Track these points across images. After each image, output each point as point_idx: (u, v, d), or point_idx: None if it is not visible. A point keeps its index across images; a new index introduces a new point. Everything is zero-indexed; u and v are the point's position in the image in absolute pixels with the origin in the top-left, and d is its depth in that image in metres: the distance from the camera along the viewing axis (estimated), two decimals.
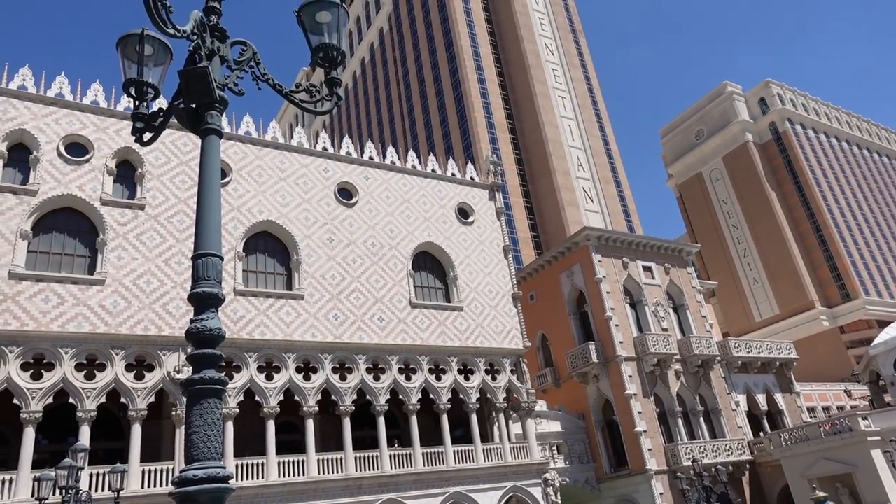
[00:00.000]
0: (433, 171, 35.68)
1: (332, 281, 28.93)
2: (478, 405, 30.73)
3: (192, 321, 4.52)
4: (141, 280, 24.43)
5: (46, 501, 14.29)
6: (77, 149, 25.53)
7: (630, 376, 37.28)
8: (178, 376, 23.61)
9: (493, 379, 31.74)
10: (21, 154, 24.52)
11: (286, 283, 28.28)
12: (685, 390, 39.16)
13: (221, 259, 4.80)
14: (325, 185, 31.14)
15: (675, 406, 38.00)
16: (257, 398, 25.29)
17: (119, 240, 24.67)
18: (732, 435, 39.18)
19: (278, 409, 25.53)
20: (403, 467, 27.47)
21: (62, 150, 25.06)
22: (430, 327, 30.69)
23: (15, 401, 21.23)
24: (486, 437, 32.22)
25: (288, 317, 27.05)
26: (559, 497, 31.24)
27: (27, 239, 23.15)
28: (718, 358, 41.11)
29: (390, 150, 35.34)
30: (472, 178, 37.07)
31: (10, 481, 20.31)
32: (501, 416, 31.69)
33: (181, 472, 4.04)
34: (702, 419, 38.87)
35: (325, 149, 32.23)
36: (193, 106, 5.27)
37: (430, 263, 33.16)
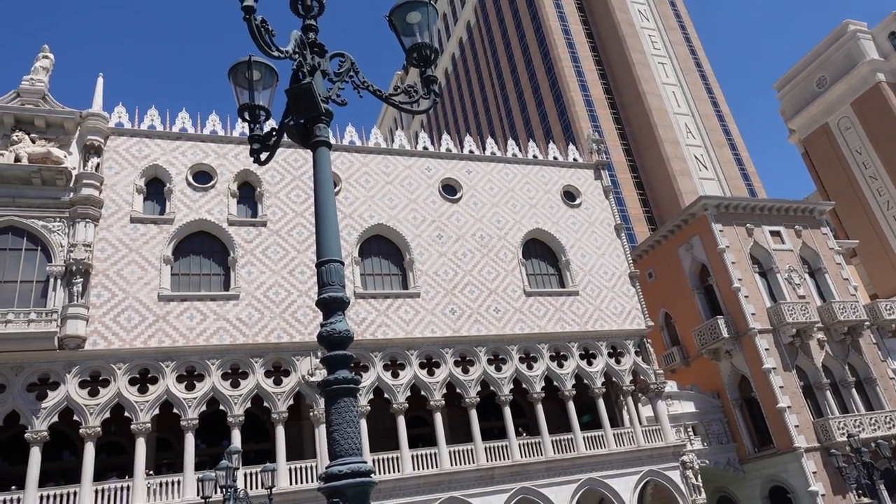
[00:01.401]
0: (534, 157, 35.28)
1: (445, 277, 29.41)
2: (604, 389, 30.07)
3: (322, 325, 4.75)
4: (270, 292, 26.09)
5: (210, 500, 15.65)
6: (203, 176, 27.69)
7: (766, 349, 34.92)
8: (311, 379, 25.02)
9: (618, 362, 30.91)
10: (157, 187, 26.96)
11: (402, 283, 29.09)
12: (832, 360, 36.12)
13: (343, 264, 5.00)
14: (429, 183, 31.68)
15: (822, 378, 35.14)
16: (386, 395, 26.24)
17: (247, 256, 26.49)
18: (893, 405, 35.64)
19: (407, 405, 26.35)
20: (533, 456, 27.44)
21: (190, 179, 27.27)
22: (546, 314, 30.40)
23: (175, 410, 23.41)
24: (616, 422, 31.47)
25: (407, 315, 27.83)
26: (700, 479, 29.91)
27: (170, 263, 25.43)
28: (868, 323, 37.53)
29: (489, 141, 35.33)
30: (574, 160, 36.26)
31: (178, 482, 22.45)
32: (630, 399, 30.82)
33: (327, 468, 4.26)
34: (854, 390, 35.67)
35: (425, 148, 32.80)
36: (302, 121, 5.55)
37: (541, 250, 32.83)
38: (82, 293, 23.10)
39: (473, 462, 26.37)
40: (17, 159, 24.29)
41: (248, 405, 24.36)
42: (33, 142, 25.07)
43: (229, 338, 24.71)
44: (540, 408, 28.47)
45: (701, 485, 29.77)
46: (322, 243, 4.99)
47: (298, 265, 27.07)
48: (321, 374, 24.95)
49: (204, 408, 23.81)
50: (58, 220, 24.15)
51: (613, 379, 30.73)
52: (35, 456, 21.26)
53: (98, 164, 25.61)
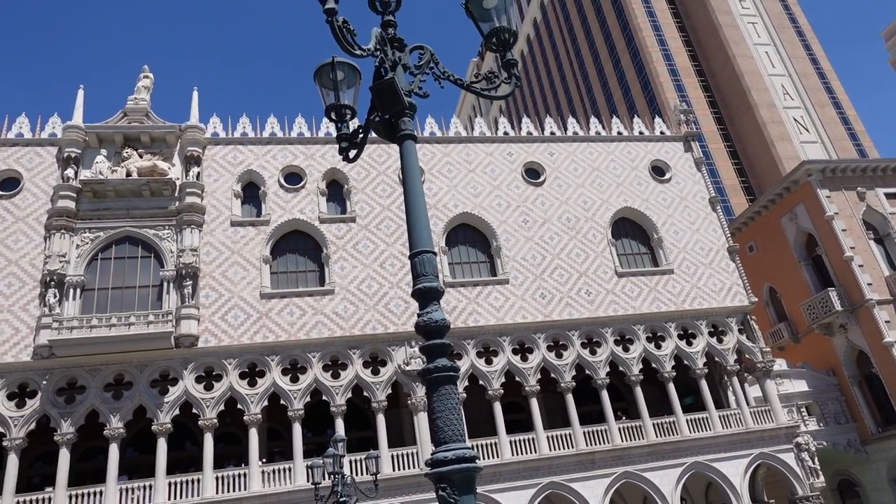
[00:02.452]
0: (619, 133, 34.23)
1: (533, 261, 29.18)
2: (706, 370, 28.88)
3: (418, 315, 4.83)
4: (363, 285, 26.87)
5: (320, 485, 16.40)
6: (293, 178, 28.84)
7: (887, 322, 32.33)
8: (407, 368, 25.60)
9: (720, 341, 29.58)
10: (252, 191, 28.35)
11: (490, 270, 29.13)
12: None
13: (435, 254, 5.06)
14: (512, 168, 31.46)
15: None
16: (481, 382, 26.43)
17: (340, 252, 27.39)
18: None
19: (502, 391, 26.44)
20: (635, 440, 26.83)
21: (282, 180, 28.48)
22: (640, 294, 29.52)
23: (282, 401, 24.66)
24: (720, 403, 30.18)
25: (497, 302, 27.87)
26: (817, 462, 28.19)
27: (269, 263, 26.71)
28: None
29: (570, 121, 34.61)
30: (662, 133, 34.86)
31: (289, 469, 23.68)
32: (735, 379, 29.44)
33: (432, 454, 4.35)
34: None
35: (505, 133, 32.57)
36: (387, 117, 5.65)
37: (631, 229, 31.87)
38: (192, 294, 24.71)
39: (572, 447, 26.12)
40: (128, 174, 26.25)
41: (349, 395, 25.26)
42: (140, 156, 26.99)
43: (328, 331, 25.69)
44: (639, 390, 27.77)
45: (818, 468, 28.06)
46: (413, 235, 5.07)
47: (388, 258, 27.70)
48: (416, 364, 25.50)
49: (308, 398, 24.92)
50: (167, 227, 25.93)
51: (716, 359, 29.46)
52: (161, 446, 23.06)
53: (198, 173, 27.24)
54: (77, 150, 26.31)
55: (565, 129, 34.19)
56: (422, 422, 25.17)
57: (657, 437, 27.05)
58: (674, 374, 28.40)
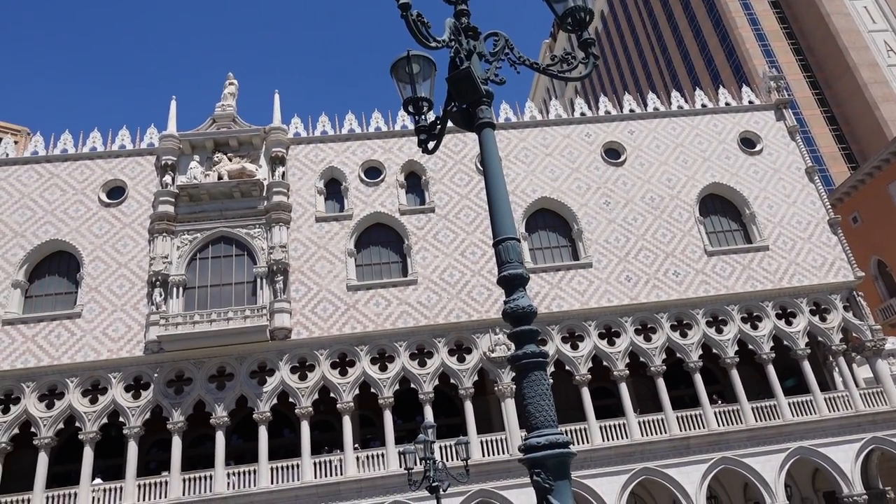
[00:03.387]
0: (703, 105, 32.73)
1: (616, 244, 28.50)
2: (808, 350, 27.27)
3: (505, 302, 4.86)
4: (445, 274, 27.16)
5: (413, 470, 16.82)
6: (373, 172, 29.47)
7: None
8: (492, 355, 25.71)
9: (822, 319, 27.84)
10: (334, 187, 29.21)
11: (572, 254, 28.70)
12: None
13: (519, 241, 5.07)
14: (591, 149, 30.77)
15: None
16: (567, 367, 26.16)
17: (421, 242, 27.79)
18: None
19: (589, 376, 26.07)
20: (732, 424, 25.78)
21: (362, 175, 29.17)
22: (733, 273, 28.22)
23: (372, 390, 25.41)
24: (826, 386, 28.48)
25: (580, 286, 27.45)
26: None
27: (353, 256, 27.49)
28: None
29: (650, 96, 33.40)
30: (750, 103, 33.02)
31: (382, 455, 24.40)
32: (841, 359, 27.65)
33: (525, 440, 4.39)
34: None
35: (582, 114, 31.87)
36: (464, 106, 5.68)
37: (720, 205, 30.47)
38: (284, 289, 25.83)
39: (666, 432, 25.42)
40: (220, 177, 27.69)
41: (436, 383, 25.68)
42: (230, 160, 28.39)
43: (412, 320, 26.18)
44: (735, 373, 26.62)
45: None
46: (496, 222, 5.09)
47: (469, 246, 27.84)
48: (501, 350, 25.56)
49: (397, 386, 25.53)
50: (257, 226, 27.18)
51: (819, 339, 27.76)
52: (263, 434, 24.34)
53: (283, 173, 28.34)
54: (173, 158, 28.00)
55: (645, 106, 33.03)
56: (509, 408, 25.24)
57: (757, 421, 25.87)
58: (773, 355, 27.02)
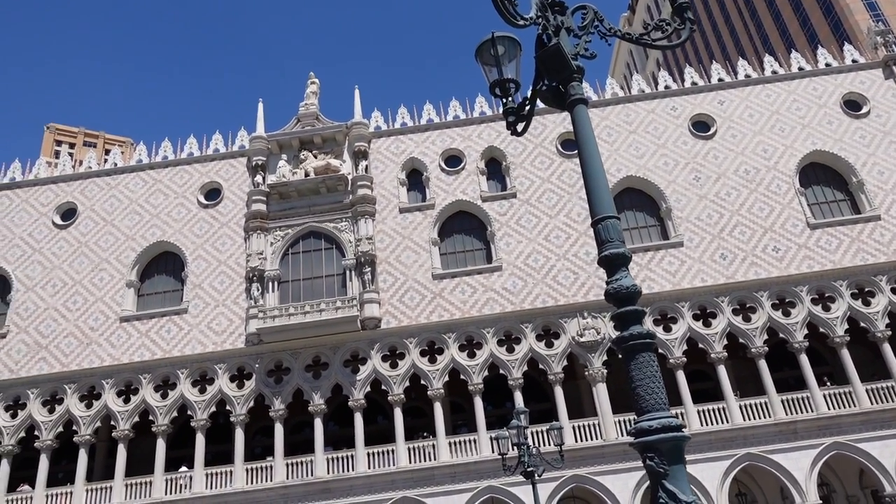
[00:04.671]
0: (800, 69, 30.62)
1: (708, 221, 27.25)
2: None
3: (607, 283, 4.72)
4: (529, 259, 26.93)
5: (507, 456, 16.86)
6: (453, 160, 29.57)
7: None
8: (581, 340, 25.30)
9: None
10: (416, 177, 29.55)
11: (661, 234, 27.71)
12: None
13: (618, 219, 4.90)
14: (677, 123, 29.51)
15: None
16: (660, 350, 25.34)
17: (504, 228, 27.66)
18: None
19: (684, 359, 25.17)
20: (844, 407, 24.15)
21: (442, 164, 29.33)
22: (840, 247, 26.34)
23: (462, 376, 25.64)
24: None
25: (671, 266, 26.47)
26: None
27: (437, 245, 27.75)
28: None
29: (741, 63, 31.60)
30: (854, 62, 30.57)
31: (474, 441, 24.61)
32: None
33: (636, 423, 4.26)
34: None
35: (667, 87, 30.58)
36: (554, 84, 5.55)
37: (823, 174, 28.49)
38: (372, 280, 26.47)
39: (770, 416, 24.18)
40: (306, 174, 28.63)
41: (525, 368, 25.57)
42: (315, 157, 29.29)
43: (499, 307, 26.15)
44: (845, 353, 24.90)
45: None
46: (594, 201, 4.95)
47: (553, 230, 27.44)
48: (590, 335, 25.12)
49: (486, 373, 25.62)
50: (344, 220, 27.95)
51: None
52: (358, 420, 25.12)
53: (366, 166, 28.95)
54: (263, 158, 29.21)
55: (735, 74, 31.26)
56: (601, 393, 24.78)
57: (872, 403, 24.12)
58: (888, 333, 25.06)
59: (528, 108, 6.14)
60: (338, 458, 24.79)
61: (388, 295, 26.71)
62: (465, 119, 30.27)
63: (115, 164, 30.85)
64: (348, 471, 24.39)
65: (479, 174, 29.02)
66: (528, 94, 5.97)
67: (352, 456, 24.68)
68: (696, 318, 25.82)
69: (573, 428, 24.52)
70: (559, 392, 25.04)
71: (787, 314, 25.65)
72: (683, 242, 26.83)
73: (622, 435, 23.98)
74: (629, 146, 29.05)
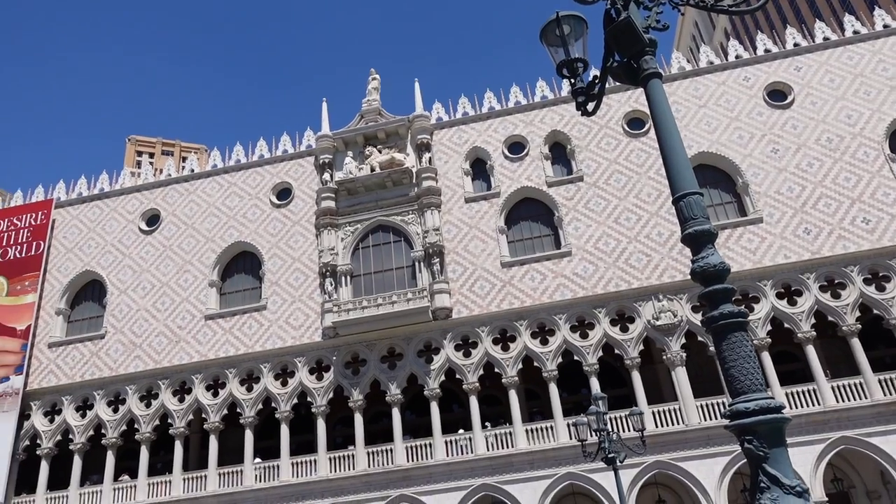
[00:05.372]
0: (885, 27, 28.54)
1: (789, 194, 25.91)
2: None
3: (692, 261, 4.58)
4: (599, 243, 26.42)
5: (586, 442, 16.68)
6: (516, 147, 29.32)
7: None
8: (657, 323, 24.65)
9: None
10: (480, 167, 29.49)
11: (738, 210, 26.59)
12: None
13: (702, 195, 4.74)
14: (750, 94, 28.15)
15: None
16: None
17: (571, 213, 27.24)
18: None
19: (769, 340, 24.12)
20: None
21: (506, 152, 29.13)
22: None
23: (535, 364, 25.50)
24: None
25: (751, 244, 25.36)
26: None
27: (504, 233, 27.64)
28: None
29: (817, 25, 29.74)
30: None
31: (551, 428, 24.46)
32: None
33: (730, 405, 4.12)
34: None
35: (738, 57, 29.20)
36: (625, 59, 5.40)
37: None
38: (441, 270, 26.67)
39: (866, 397, 22.85)
40: (372, 169, 29.09)
41: (600, 354, 25.16)
42: (379, 152, 29.71)
43: (570, 292, 25.82)
44: None
45: None
46: (674, 177, 4.81)
47: (623, 213, 26.80)
48: (667, 318, 24.44)
49: (560, 359, 25.40)
50: (410, 212, 28.25)
51: None
52: (434, 410, 25.44)
53: (430, 158, 29.12)
54: (329, 156, 29.89)
55: (812, 38, 29.48)
56: (680, 377, 24.10)
57: None
58: None
59: (598, 86, 6.01)
60: (416, 447, 25.21)
61: (457, 285, 26.85)
62: (526, 104, 29.92)
63: (192, 171, 32.30)
64: (427, 459, 24.77)
65: (544, 159, 28.66)
66: (596, 73, 5.84)
67: (430, 444, 25.04)
68: (779, 296, 24.67)
69: (653, 413, 23.97)
70: (636, 377, 24.53)
71: (881, 289, 24.12)
72: (763, 218, 25.64)
73: (704, 419, 23.29)
74: (699, 121, 27.95)
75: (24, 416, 28.47)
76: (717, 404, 23.51)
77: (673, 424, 23.66)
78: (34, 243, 31.53)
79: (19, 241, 31.71)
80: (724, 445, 22.45)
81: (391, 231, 28.37)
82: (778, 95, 28.02)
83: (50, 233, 31.85)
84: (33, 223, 31.98)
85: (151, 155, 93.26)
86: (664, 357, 24.73)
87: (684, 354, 24.35)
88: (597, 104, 6.11)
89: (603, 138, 28.48)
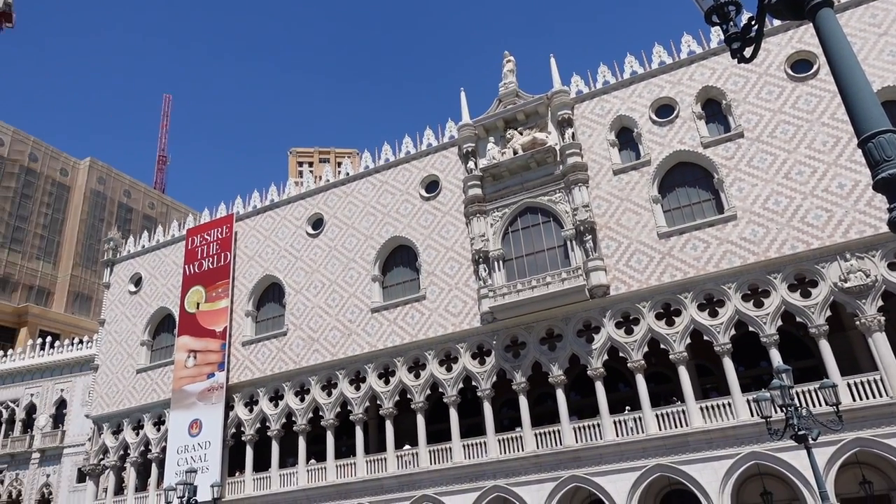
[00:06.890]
0: None
1: None
2: None
3: (890, 209, 4.05)
4: (769, 203, 24.20)
5: (771, 419, 15.42)
6: (664, 110, 27.65)
7: None
8: (846, 285, 22.09)
9: None
10: (626, 136, 28.22)
11: None
12: None
13: (894, 132, 4.16)
14: None
15: None
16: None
17: (733, 173, 25.20)
18: None
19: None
20: None
21: (653, 116, 27.59)
22: None
23: (706, 337, 23.97)
24: None
25: None
26: None
27: (658, 202, 26.24)
28: None
29: None
30: None
31: (729, 405, 22.92)
32: None
33: None
34: None
35: None
36: None
37: None
38: (594, 248, 25.99)
39: None
40: (515, 152, 29.01)
41: (780, 323, 23.11)
42: (521, 133, 29.54)
43: (738, 259, 23.96)
44: None
45: None
46: (858, 116, 4.27)
47: (794, 166, 24.29)
48: (857, 278, 21.86)
49: (733, 331, 23.71)
50: (557, 191, 27.80)
51: None
52: (599, 389, 24.95)
53: (573, 133, 28.41)
54: (472, 144, 30.29)
55: None
56: (879, 343, 21.40)
57: None
58: None
59: (755, 28, 5.49)
60: (584, 427, 24.90)
61: (612, 261, 26.02)
62: (671, 63, 28.06)
63: (347, 174, 34.39)
64: (596, 440, 24.38)
65: (697, 119, 26.74)
66: (750, 15, 5.33)
67: (598, 424, 24.62)
68: None
69: (847, 385, 21.56)
70: (825, 346, 22.19)
71: None
72: None
73: None
74: (880, 52, 24.45)
75: (228, 406, 32.31)
76: None
77: (874, 397, 21.12)
78: (222, 254, 35.54)
79: (210, 253, 35.91)
80: None
81: (539, 212, 28.14)
82: None
83: (234, 243, 35.67)
84: (220, 236, 36.02)
85: (311, 164, 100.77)
86: (857, 322, 22.10)
87: (883, 318, 21.59)
88: (755, 49, 5.58)
89: (763, 87, 25.96)
